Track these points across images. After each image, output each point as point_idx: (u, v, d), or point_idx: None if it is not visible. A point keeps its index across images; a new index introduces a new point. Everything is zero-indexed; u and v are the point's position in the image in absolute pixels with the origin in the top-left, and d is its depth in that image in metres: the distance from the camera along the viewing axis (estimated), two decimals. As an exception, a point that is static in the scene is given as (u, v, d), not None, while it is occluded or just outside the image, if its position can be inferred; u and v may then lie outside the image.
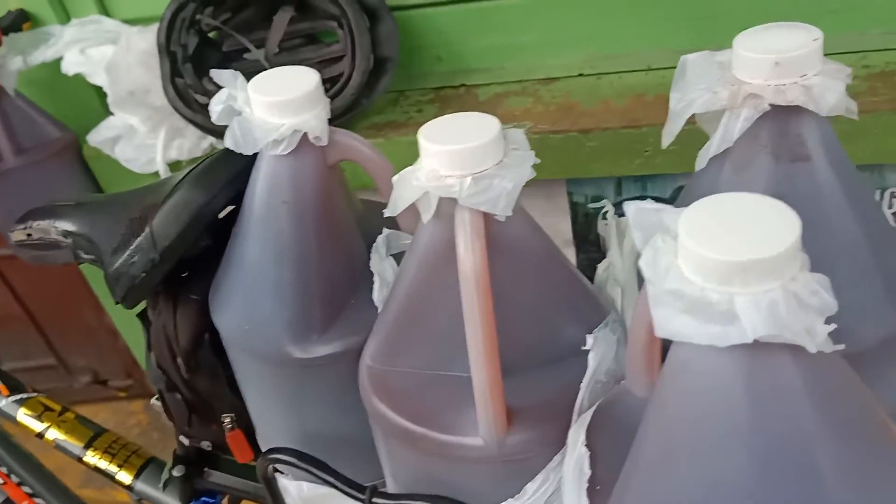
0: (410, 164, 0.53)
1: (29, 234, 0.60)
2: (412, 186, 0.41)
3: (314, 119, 0.47)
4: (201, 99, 1.04)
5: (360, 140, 0.50)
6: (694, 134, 0.44)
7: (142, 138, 1.14)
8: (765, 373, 0.30)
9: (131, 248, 0.52)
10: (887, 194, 0.85)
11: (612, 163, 0.92)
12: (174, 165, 1.14)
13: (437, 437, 0.43)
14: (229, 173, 0.52)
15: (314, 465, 0.50)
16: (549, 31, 0.99)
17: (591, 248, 1.04)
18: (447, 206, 0.41)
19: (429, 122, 0.42)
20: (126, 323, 1.67)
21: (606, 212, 0.56)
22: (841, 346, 0.29)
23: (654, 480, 0.33)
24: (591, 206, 0.90)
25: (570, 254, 1.07)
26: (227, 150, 0.53)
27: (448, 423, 0.44)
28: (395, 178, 0.42)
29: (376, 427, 0.48)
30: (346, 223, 0.52)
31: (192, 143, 1.14)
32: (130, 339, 1.70)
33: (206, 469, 0.80)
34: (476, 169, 0.40)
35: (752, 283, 0.28)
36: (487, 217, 0.40)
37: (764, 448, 0.30)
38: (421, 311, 0.45)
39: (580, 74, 0.98)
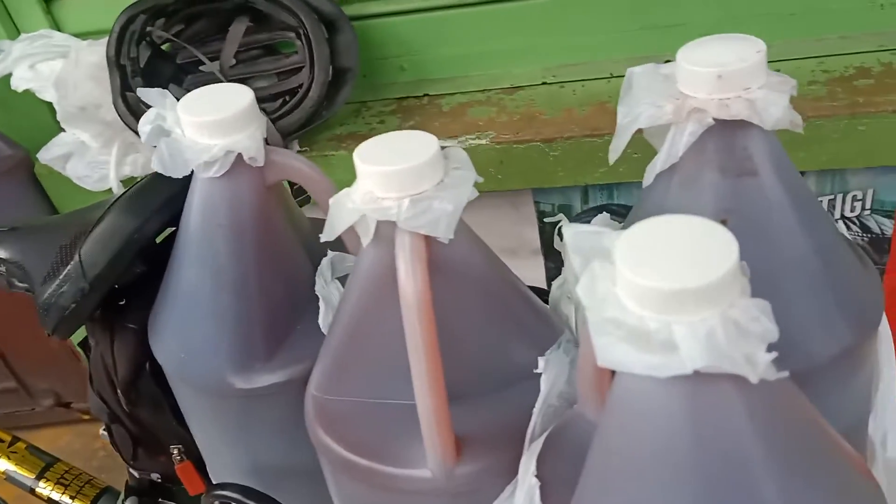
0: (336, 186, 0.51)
1: (-39, 261, 0.57)
2: (348, 209, 0.40)
3: (248, 139, 0.45)
4: (154, 114, 1.02)
5: (299, 159, 0.49)
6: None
7: (94, 155, 1.12)
8: (707, 402, 0.29)
9: (60, 276, 0.50)
10: (849, 198, 0.85)
11: (576, 172, 0.91)
12: (128, 182, 1.11)
13: (384, 469, 0.42)
14: (163, 196, 0.50)
15: (261, 502, 0.48)
16: (511, 40, 0.98)
17: (559, 257, 1.03)
18: (387, 229, 0.40)
19: (365, 142, 0.41)
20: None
21: (562, 226, 0.54)
22: (785, 374, 0.28)
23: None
24: (547, 220, 0.89)
25: (539, 263, 1.06)
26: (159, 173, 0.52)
27: (395, 454, 0.42)
28: (331, 201, 0.41)
29: (323, 459, 0.47)
30: (290, 245, 0.51)
31: (146, 159, 1.11)
32: (93, 359, 1.67)
33: (160, 500, 0.78)
34: (414, 190, 0.39)
35: (690, 311, 0.27)
36: (429, 239, 0.39)
37: (708, 479, 0.29)
38: (365, 338, 0.44)
39: (543, 83, 0.97)
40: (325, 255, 0.53)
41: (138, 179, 1.12)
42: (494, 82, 1.00)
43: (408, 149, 0.39)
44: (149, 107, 1.03)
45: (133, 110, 1.01)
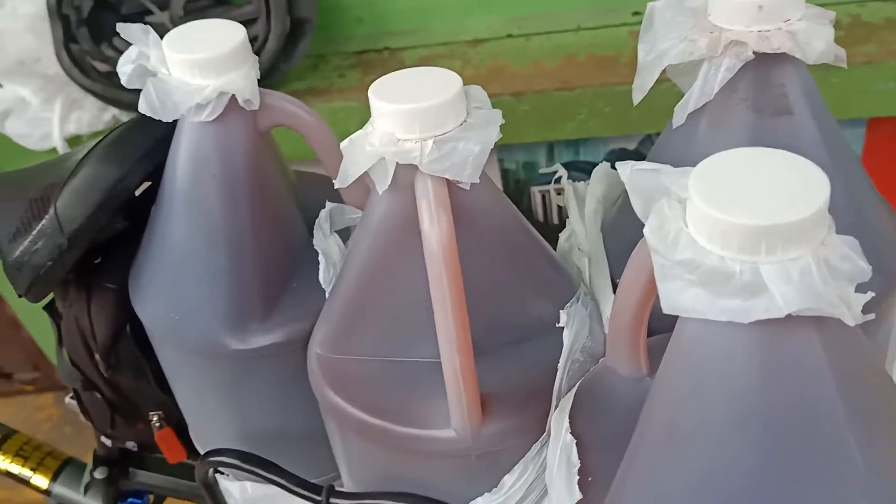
0: (335, 134, 0.46)
1: None
2: (365, 153, 0.35)
3: (242, 79, 0.40)
4: (100, 66, 0.94)
5: (295, 103, 0.44)
6: (628, 95, 0.40)
7: (35, 111, 1.03)
8: (788, 349, 0.26)
9: (33, 233, 0.44)
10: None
11: (545, 127, 0.88)
12: (73, 140, 1.03)
13: (402, 430, 0.38)
14: (145, 144, 0.45)
15: (261, 467, 0.44)
16: (473, -10, 0.94)
17: (528, 214, 1.00)
18: (404, 174, 0.36)
19: (379, 79, 0.36)
20: (29, 313, 1.53)
21: (560, 177, 0.52)
22: (871, 316, 0.25)
23: (661, 468, 0.29)
24: (543, 170, 0.86)
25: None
26: (139, 118, 0.46)
27: (414, 414, 0.39)
28: (343, 144, 0.36)
29: (330, 421, 0.43)
30: (283, 197, 0.46)
31: (91, 116, 1.03)
32: (34, 329, 1.57)
33: (131, 469, 0.73)
34: (437, 131, 0.35)
35: (780, 250, 0.24)
36: (450, 185, 0.35)
37: (789, 430, 0.26)
38: (376, 293, 0.40)
39: (508, 35, 0.93)
40: (314, 207, 0.48)
41: (90, 135, 1.04)
42: (456, 35, 0.95)
43: (426, 86, 0.35)
44: (96, 60, 0.95)
45: (78, 63, 0.93)
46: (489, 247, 0.38)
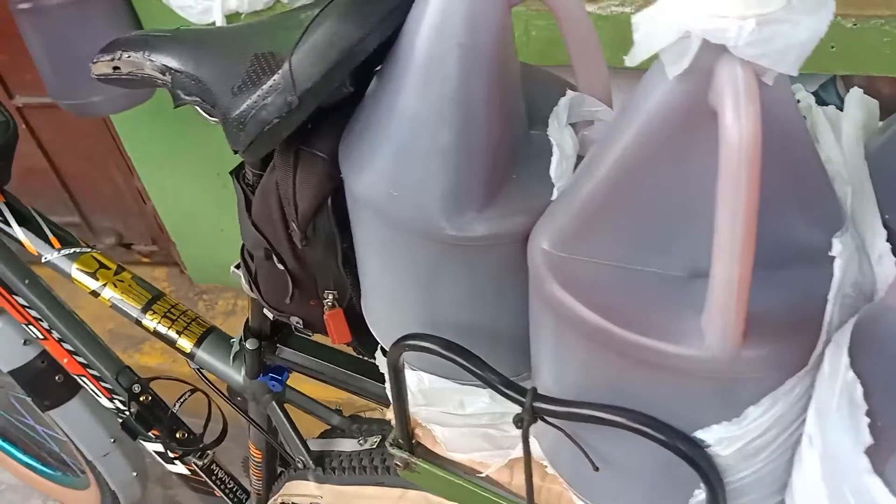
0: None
1: (116, 68, 0.48)
2: (668, 26, 0.30)
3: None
4: (270, -58, 0.90)
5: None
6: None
7: (198, -16, 1.01)
8: None
9: (263, 87, 0.41)
10: None
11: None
12: (232, 17, 1.01)
13: (647, 343, 0.34)
14: (385, 7, 0.41)
15: (466, 358, 0.41)
16: None
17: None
18: (702, 58, 0.31)
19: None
20: (156, 187, 1.57)
21: (797, 101, 0.45)
22: None
23: None
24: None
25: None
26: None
27: (660, 326, 0.35)
28: (638, 17, 0.32)
29: (548, 322, 0.39)
30: (516, 81, 0.42)
31: (253, -6, 1.00)
32: (159, 204, 1.61)
33: (278, 345, 0.73)
34: (760, 9, 0.29)
35: None
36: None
37: None
38: (630, 192, 0.35)
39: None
40: (532, 99, 0.44)
41: (250, 14, 1.01)
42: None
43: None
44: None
45: (249, -64, 0.90)
46: (778, 157, 0.33)
